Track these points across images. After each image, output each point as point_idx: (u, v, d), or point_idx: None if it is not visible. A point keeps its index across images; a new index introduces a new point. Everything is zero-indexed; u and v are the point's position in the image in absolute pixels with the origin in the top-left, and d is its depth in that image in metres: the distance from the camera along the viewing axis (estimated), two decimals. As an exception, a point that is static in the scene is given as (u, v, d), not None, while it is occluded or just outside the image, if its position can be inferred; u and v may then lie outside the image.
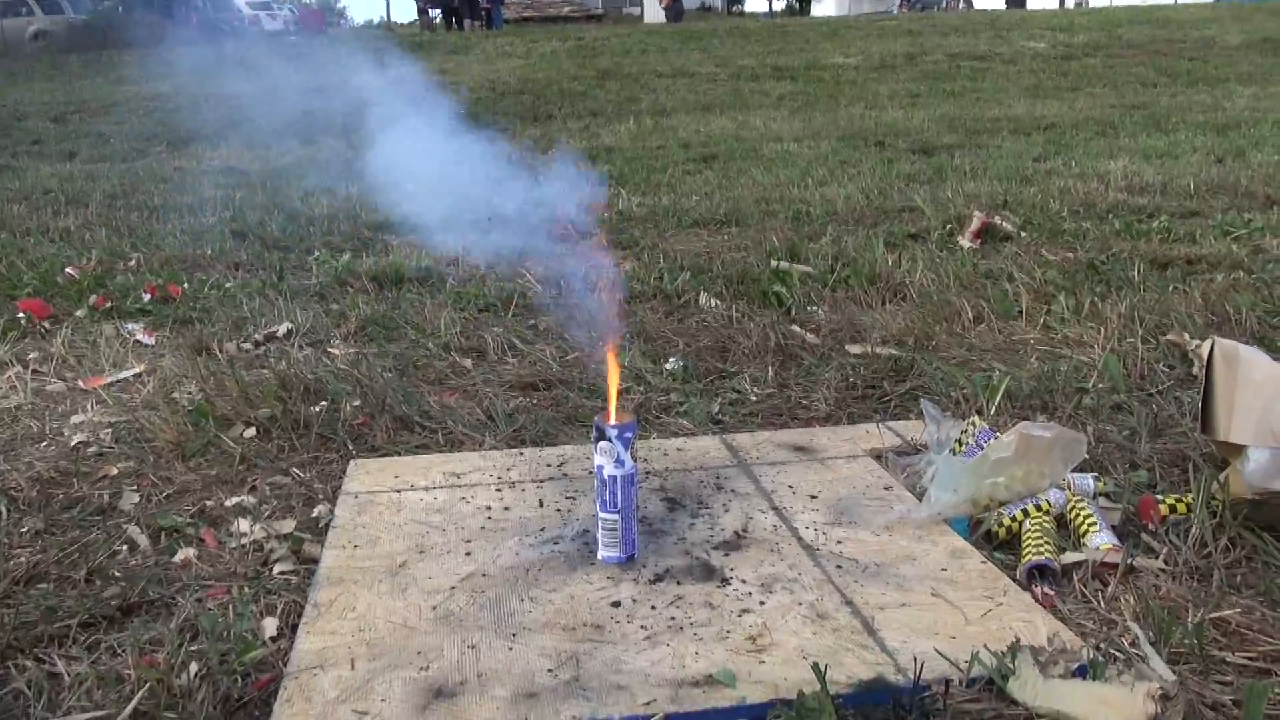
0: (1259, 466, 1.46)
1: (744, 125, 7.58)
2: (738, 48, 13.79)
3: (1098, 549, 1.44)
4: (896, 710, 1.12)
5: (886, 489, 1.69)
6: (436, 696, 1.14)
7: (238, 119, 6.71)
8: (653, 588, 1.37)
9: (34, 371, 2.41)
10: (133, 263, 3.52)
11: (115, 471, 1.84)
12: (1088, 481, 1.63)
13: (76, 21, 19.30)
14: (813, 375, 2.28)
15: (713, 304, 2.85)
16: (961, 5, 27.13)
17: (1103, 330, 2.44)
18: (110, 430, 2.03)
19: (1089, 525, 1.50)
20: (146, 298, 3.01)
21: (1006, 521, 1.53)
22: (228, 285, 3.19)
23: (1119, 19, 15.59)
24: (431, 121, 2.66)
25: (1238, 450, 1.50)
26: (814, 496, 1.66)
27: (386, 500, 1.66)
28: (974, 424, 1.78)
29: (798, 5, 33.38)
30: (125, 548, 1.56)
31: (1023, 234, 3.63)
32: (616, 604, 1.33)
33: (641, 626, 1.28)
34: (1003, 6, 23.22)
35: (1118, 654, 1.20)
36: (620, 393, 1.54)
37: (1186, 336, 2.37)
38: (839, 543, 1.50)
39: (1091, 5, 20.23)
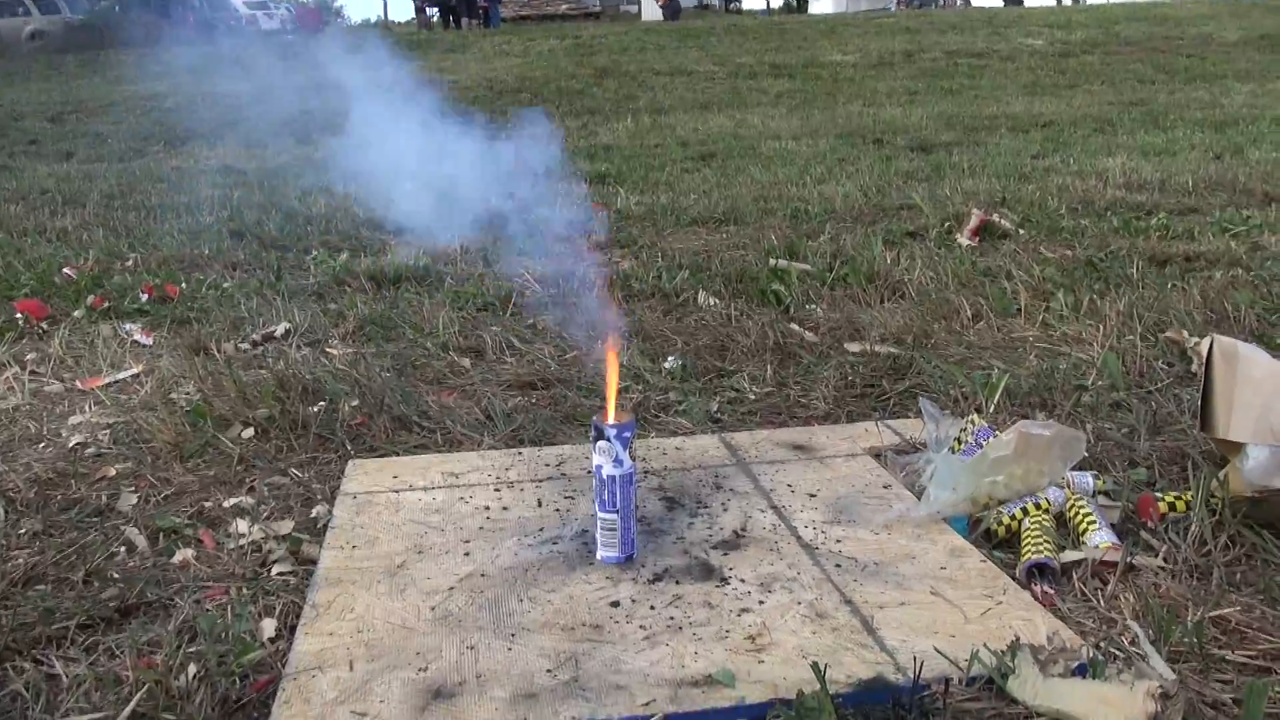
0: (1258, 464, 1.46)
1: (742, 123, 7.58)
2: (735, 45, 13.79)
3: (1097, 547, 1.44)
4: (896, 709, 1.12)
5: (885, 487, 1.69)
6: (435, 697, 1.14)
7: (234, 118, 6.70)
8: (652, 587, 1.37)
9: (31, 372, 2.41)
10: (130, 263, 3.51)
11: (113, 472, 1.84)
12: (1087, 479, 1.63)
13: (73, 21, 19.27)
14: (811, 374, 2.27)
15: (711, 302, 2.85)
16: (959, 2, 27.13)
17: (1101, 328, 2.44)
18: (108, 431, 2.03)
19: (1088, 523, 1.50)
20: (144, 298, 3.00)
21: (1006, 520, 1.53)
22: (225, 285, 3.19)
23: (1116, 16, 15.58)
24: (423, 115, 2.65)
25: (1237, 448, 1.50)
26: (813, 495, 1.66)
27: (385, 500, 1.66)
28: (973, 422, 1.77)
29: (795, 3, 33.36)
30: (123, 549, 1.56)
31: (1021, 231, 3.62)
32: (615, 604, 1.33)
33: (640, 626, 1.28)
34: (1000, 4, 23.21)
35: (1117, 652, 1.20)
36: (619, 392, 1.54)
37: (1185, 334, 2.37)
38: (838, 541, 1.50)
39: (1089, 2, 20.24)
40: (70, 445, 1.97)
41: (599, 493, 1.42)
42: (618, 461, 1.40)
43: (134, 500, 1.73)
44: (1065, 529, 1.53)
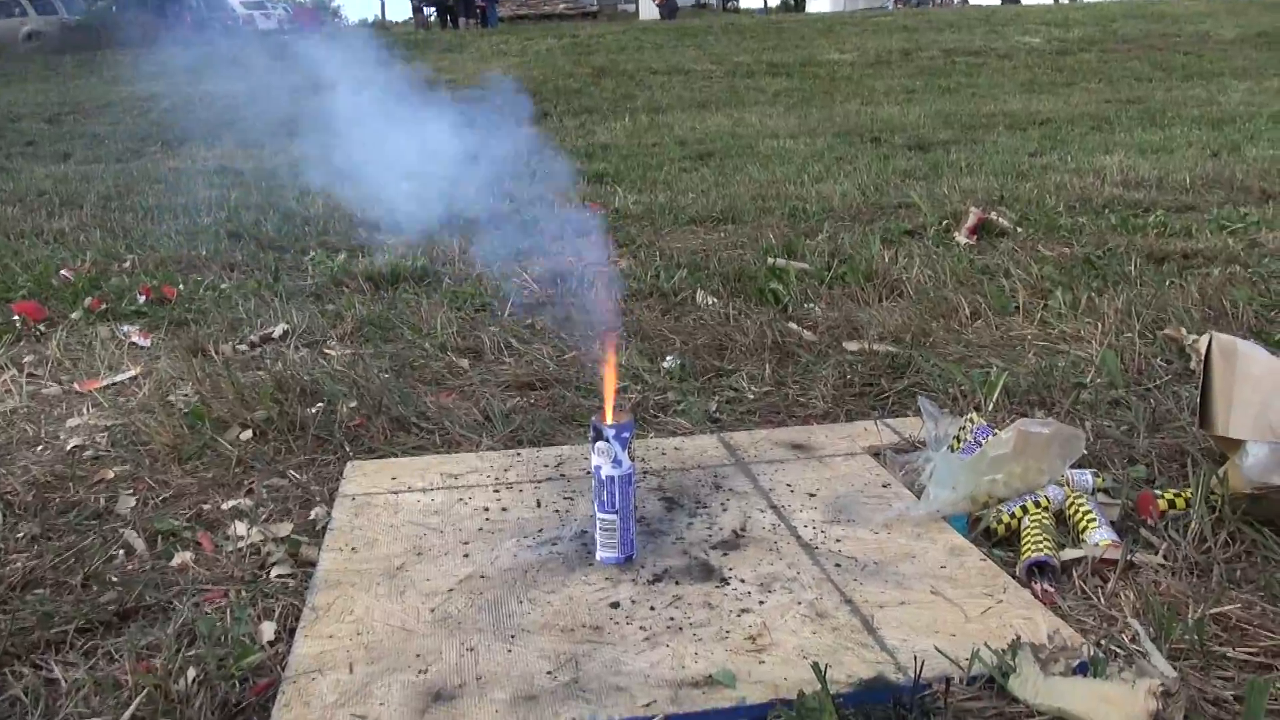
0: (1257, 461, 1.46)
1: (740, 122, 7.58)
2: (733, 44, 13.78)
3: (1097, 545, 1.44)
4: (897, 709, 1.12)
5: (885, 486, 1.69)
6: (435, 699, 1.14)
7: (232, 119, 6.69)
8: (651, 588, 1.37)
9: (29, 375, 2.41)
10: (128, 264, 3.51)
11: (111, 475, 1.84)
12: (1086, 477, 1.63)
13: (70, 22, 19.24)
14: (810, 373, 2.27)
15: (709, 302, 2.85)
16: (956, 0, 27.12)
17: (1100, 325, 2.44)
18: (106, 433, 2.03)
19: (1088, 521, 1.50)
20: (142, 299, 3.00)
21: (1005, 518, 1.53)
22: (223, 286, 3.18)
23: (1114, 14, 15.58)
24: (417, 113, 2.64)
25: (1236, 445, 1.50)
26: (812, 495, 1.66)
27: (384, 502, 1.66)
28: (972, 420, 1.77)
29: (793, 1, 33.36)
30: (122, 552, 1.56)
31: (1019, 229, 3.62)
32: (615, 605, 1.33)
33: (640, 627, 1.27)
34: (998, 2, 23.21)
35: (1118, 650, 1.20)
36: (617, 392, 1.54)
37: (1184, 331, 2.37)
38: (838, 541, 1.50)
39: (1086, 0, 20.24)
40: (68, 448, 1.97)
41: (598, 493, 1.42)
42: (616, 462, 1.40)
43: (132, 503, 1.72)
44: (1065, 527, 1.52)
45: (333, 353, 2.50)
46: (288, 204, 4.52)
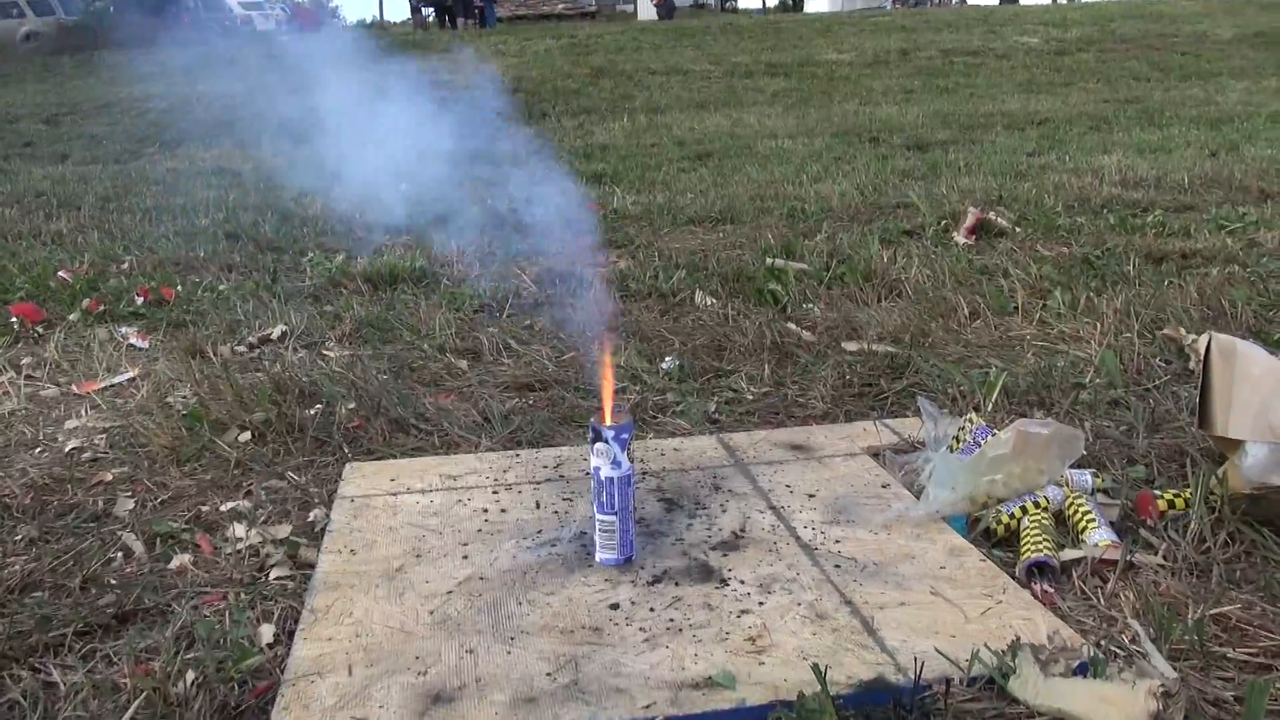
0: (1257, 461, 1.46)
1: (738, 122, 7.58)
2: (731, 45, 13.78)
3: (1096, 545, 1.44)
4: (897, 710, 1.12)
5: (884, 487, 1.68)
6: (435, 702, 1.13)
7: (230, 119, 6.69)
8: (651, 589, 1.37)
9: (27, 377, 2.40)
10: (126, 266, 3.50)
11: (110, 477, 1.83)
12: (1085, 478, 1.63)
13: (67, 22, 19.22)
14: (809, 373, 2.27)
15: (708, 302, 2.85)
16: (954, 0, 27.13)
17: (1099, 325, 2.44)
18: (104, 436, 2.02)
19: (1087, 522, 1.50)
20: (140, 301, 3.00)
21: (1005, 519, 1.53)
22: (221, 288, 3.18)
23: (1111, 14, 15.59)
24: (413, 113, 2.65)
25: (1235, 445, 1.49)
26: (812, 495, 1.66)
27: (382, 504, 1.66)
28: (971, 421, 1.77)
29: (791, 1, 33.36)
30: (120, 555, 1.56)
31: (1017, 229, 3.62)
32: (615, 606, 1.33)
33: (640, 629, 1.27)
34: (996, 2, 23.23)
35: (1118, 651, 1.20)
36: (616, 393, 1.53)
37: (1183, 331, 2.37)
38: (837, 542, 1.50)
39: (1084, 0, 20.25)
40: (66, 450, 1.96)
41: (597, 494, 1.41)
42: (616, 463, 1.40)
43: (131, 505, 1.72)
44: (1064, 527, 1.52)
45: (331, 354, 2.50)
46: (285, 205, 4.51)
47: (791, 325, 2.61)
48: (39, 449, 1.99)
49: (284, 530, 1.60)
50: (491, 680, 1.17)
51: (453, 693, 1.15)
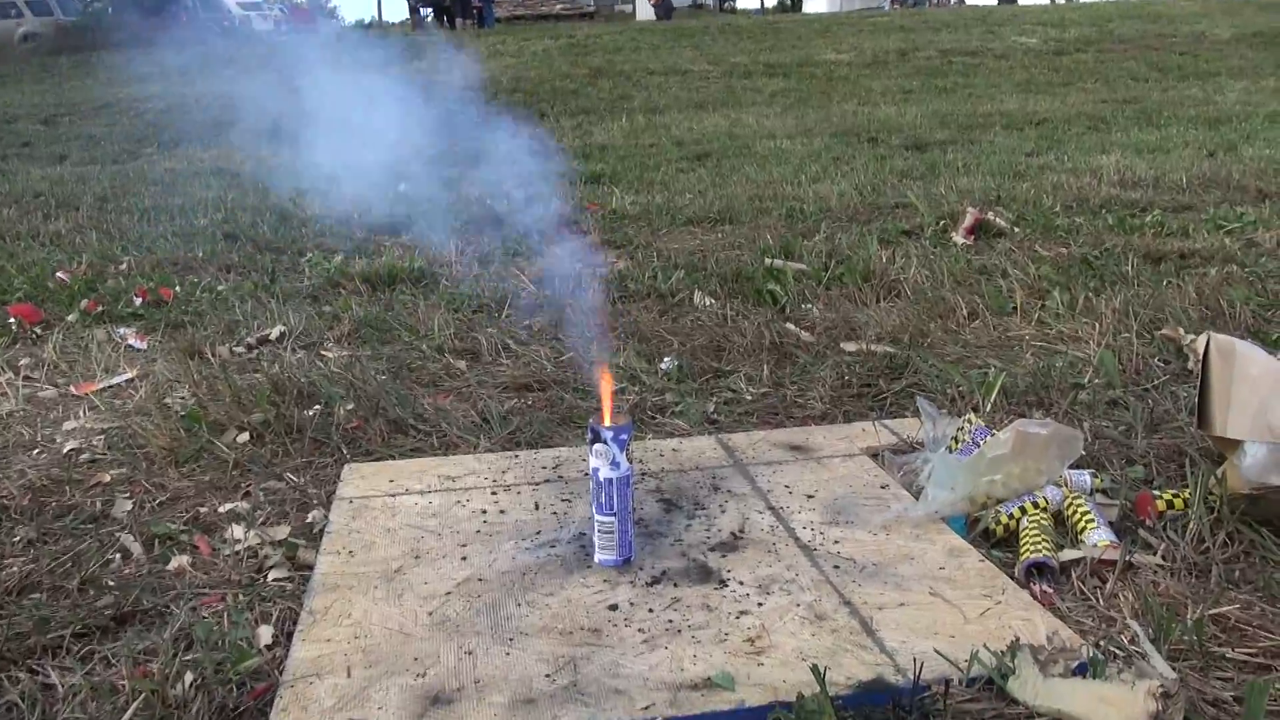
0: (1256, 461, 1.46)
1: (737, 123, 7.58)
2: (730, 45, 13.79)
3: (1096, 546, 1.44)
4: (896, 711, 1.12)
5: (883, 488, 1.68)
6: (433, 703, 1.13)
7: (228, 119, 6.68)
8: (650, 590, 1.37)
9: (25, 378, 2.40)
10: (124, 266, 3.50)
11: (108, 478, 1.83)
12: (1084, 478, 1.63)
13: (65, 23, 19.21)
14: (808, 374, 2.27)
15: (707, 303, 2.85)
16: (953, 1, 27.14)
17: (1097, 325, 2.44)
18: (103, 437, 2.02)
19: (1086, 522, 1.49)
20: (138, 301, 2.99)
21: (1004, 519, 1.53)
22: (220, 288, 3.18)
23: (1110, 14, 15.60)
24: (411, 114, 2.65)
25: (1234, 445, 1.50)
26: (811, 496, 1.66)
27: (381, 505, 1.65)
28: (970, 421, 1.77)
29: (789, 2, 33.36)
30: (119, 556, 1.55)
31: (1016, 230, 3.62)
32: (614, 607, 1.33)
33: (639, 630, 1.27)
34: (994, 2, 23.24)
35: (1117, 651, 1.20)
36: (615, 393, 1.53)
37: (1181, 331, 2.37)
38: (836, 542, 1.49)
39: (1082, 0, 20.26)
40: (64, 451, 1.96)
41: (596, 495, 1.41)
42: (614, 464, 1.40)
43: (129, 506, 1.72)
44: (1063, 527, 1.52)
45: (330, 355, 2.50)
46: (284, 205, 4.51)
47: (790, 326, 2.60)
48: (37, 450, 1.98)
49: (282, 531, 1.60)
50: (490, 682, 1.17)
51: (451, 694, 1.15)
